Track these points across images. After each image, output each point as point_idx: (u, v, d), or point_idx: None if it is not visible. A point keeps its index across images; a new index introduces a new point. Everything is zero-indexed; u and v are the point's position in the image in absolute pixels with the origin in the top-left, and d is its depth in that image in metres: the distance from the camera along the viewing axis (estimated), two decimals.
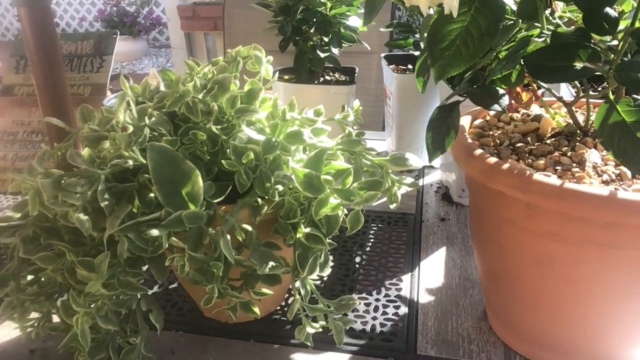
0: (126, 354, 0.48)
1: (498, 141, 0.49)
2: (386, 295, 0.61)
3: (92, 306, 0.43)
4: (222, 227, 0.41)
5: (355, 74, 0.85)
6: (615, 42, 0.36)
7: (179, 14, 2.83)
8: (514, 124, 0.52)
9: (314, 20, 0.77)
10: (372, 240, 0.72)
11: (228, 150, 0.43)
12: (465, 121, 0.53)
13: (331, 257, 0.68)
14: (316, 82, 0.82)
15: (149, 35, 5.38)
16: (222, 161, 0.43)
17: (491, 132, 0.51)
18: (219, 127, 0.46)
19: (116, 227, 0.40)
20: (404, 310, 0.58)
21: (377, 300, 0.60)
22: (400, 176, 0.54)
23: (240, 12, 1.54)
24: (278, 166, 0.45)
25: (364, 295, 0.61)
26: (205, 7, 2.80)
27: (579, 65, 0.34)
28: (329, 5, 0.77)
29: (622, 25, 0.34)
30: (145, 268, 0.46)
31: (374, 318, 0.57)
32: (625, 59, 0.38)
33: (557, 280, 0.44)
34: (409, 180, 0.54)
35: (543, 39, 0.37)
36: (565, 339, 0.48)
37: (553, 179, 0.39)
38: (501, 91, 0.41)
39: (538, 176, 0.40)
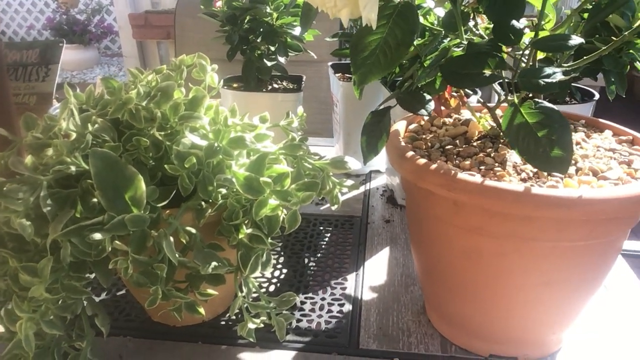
0: (72, 359, 0.48)
1: (430, 144, 0.52)
2: (332, 294, 0.63)
3: (36, 312, 0.43)
4: (165, 230, 0.42)
5: (302, 82, 0.87)
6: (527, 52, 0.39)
7: (130, 23, 2.80)
8: (446, 128, 0.56)
9: (261, 30, 0.79)
10: (320, 242, 0.75)
11: (172, 155, 0.45)
12: (400, 126, 0.56)
13: (281, 260, 0.70)
14: (264, 90, 0.84)
15: (101, 43, 5.27)
16: (166, 166, 0.44)
17: (424, 136, 0.54)
18: (163, 133, 0.48)
19: (59, 231, 0.41)
20: (348, 307, 0.61)
21: (323, 299, 0.62)
22: (341, 179, 0.57)
23: (191, 21, 1.54)
24: (221, 170, 0.47)
25: (310, 295, 0.63)
26: (157, 15, 2.78)
27: (487, 72, 0.37)
28: (275, 15, 0.79)
29: (528, 37, 0.37)
30: (93, 276, 0.47)
31: (320, 316, 0.59)
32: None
33: (483, 272, 0.48)
34: (349, 182, 0.56)
35: (461, 48, 0.41)
36: (494, 328, 0.52)
37: (476, 178, 0.43)
38: (427, 97, 0.44)
39: (462, 175, 0.43)
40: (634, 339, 0.56)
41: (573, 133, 0.55)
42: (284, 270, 0.68)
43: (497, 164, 0.47)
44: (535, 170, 0.46)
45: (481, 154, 0.49)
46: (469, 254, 0.48)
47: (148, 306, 0.43)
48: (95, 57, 5.04)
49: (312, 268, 0.69)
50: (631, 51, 0.70)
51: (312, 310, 0.60)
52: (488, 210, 0.43)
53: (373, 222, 0.80)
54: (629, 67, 0.73)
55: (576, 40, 0.37)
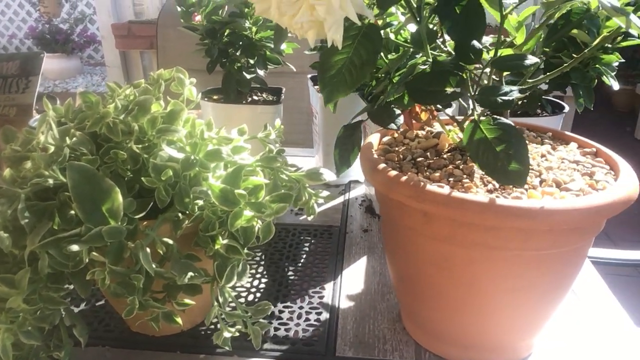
0: None
1: (402, 156, 0.54)
2: (309, 303, 0.64)
3: (13, 322, 0.44)
4: (141, 241, 0.43)
5: (282, 94, 0.89)
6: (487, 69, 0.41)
7: (113, 33, 2.80)
8: (418, 140, 0.58)
9: (240, 43, 0.80)
10: (299, 252, 0.76)
11: (149, 168, 0.46)
12: (374, 138, 0.57)
13: (260, 269, 0.71)
14: (244, 102, 0.86)
15: (84, 52, 5.25)
16: (143, 178, 0.46)
17: (397, 148, 0.56)
18: (140, 146, 0.49)
19: (36, 243, 0.41)
20: (325, 316, 0.62)
21: (301, 308, 0.64)
22: (317, 190, 0.58)
23: (174, 32, 1.55)
24: (198, 182, 0.48)
25: (289, 304, 0.64)
26: (140, 25, 2.78)
27: (449, 90, 0.39)
28: (254, 29, 0.81)
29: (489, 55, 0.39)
30: (72, 287, 0.48)
31: (297, 325, 0.61)
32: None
33: (454, 280, 0.49)
34: (325, 193, 0.58)
35: (427, 65, 0.43)
36: (465, 335, 0.53)
37: (443, 190, 0.44)
38: (397, 111, 0.46)
39: (430, 187, 0.45)
40: (603, 347, 0.58)
41: (539, 145, 0.57)
42: (263, 280, 0.69)
43: (465, 176, 0.49)
44: None
45: (450, 166, 0.50)
46: (439, 262, 0.49)
47: (125, 316, 0.44)
48: (78, 66, 5.02)
49: (290, 277, 0.70)
50: (597, 66, 0.73)
51: (290, 319, 0.62)
52: (455, 221, 0.45)
53: (351, 232, 0.82)
54: (596, 81, 0.76)
55: (532, 60, 0.39)
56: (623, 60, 0.74)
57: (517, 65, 0.39)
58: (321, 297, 0.66)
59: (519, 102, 0.83)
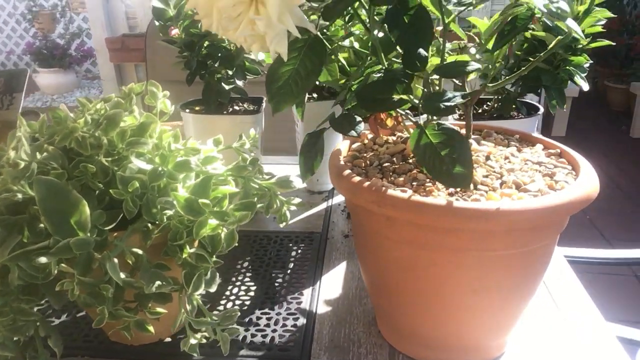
0: None
1: (369, 162, 0.55)
2: (287, 309, 0.65)
3: None
4: (109, 252, 0.44)
5: (262, 103, 0.90)
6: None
7: (107, 47, 2.82)
8: (387, 146, 0.59)
9: (219, 55, 0.82)
10: (280, 259, 0.77)
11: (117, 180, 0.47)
12: (344, 145, 0.59)
13: (240, 277, 0.72)
14: (225, 112, 0.87)
15: (82, 67, 5.28)
16: (111, 190, 0.47)
17: (365, 155, 0.57)
18: (110, 159, 0.50)
19: (6, 256, 0.42)
20: (302, 321, 0.63)
21: (279, 314, 0.64)
22: (288, 197, 0.59)
23: (162, 45, 1.56)
24: (167, 193, 0.49)
25: (267, 310, 0.65)
26: (134, 38, 2.81)
27: (396, 97, 0.40)
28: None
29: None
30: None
31: (274, 331, 0.61)
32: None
33: (420, 282, 0.50)
34: (297, 200, 0.59)
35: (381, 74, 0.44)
36: (436, 336, 0.54)
37: (403, 194, 0.45)
38: (358, 119, 0.47)
39: (392, 192, 0.46)
40: (577, 345, 0.58)
41: (505, 148, 0.58)
42: (243, 288, 0.70)
43: (428, 180, 0.50)
44: None
45: (415, 171, 0.51)
46: (405, 265, 0.50)
47: (95, 325, 0.45)
48: (76, 81, 5.05)
49: (270, 284, 0.71)
50: (568, 67, 0.74)
51: (267, 325, 0.62)
52: (416, 224, 0.46)
53: (333, 238, 0.83)
54: (568, 82, 0.77)
55: (474, 65, 0.40)
56: (592, 62, 0.75)
57: (459, 72, 0.40)
58: (299, 303, 0.66)
59: (495, 106, 0.85)
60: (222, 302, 0.67)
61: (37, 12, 4.44)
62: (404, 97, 0.40)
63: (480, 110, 0.87)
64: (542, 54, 0.49)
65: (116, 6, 2.99)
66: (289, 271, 0.74)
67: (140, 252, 0.48)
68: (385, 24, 0.38)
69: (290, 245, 0.81)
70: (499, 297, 0.50)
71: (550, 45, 0.49)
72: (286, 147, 1.45)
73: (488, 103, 0.87)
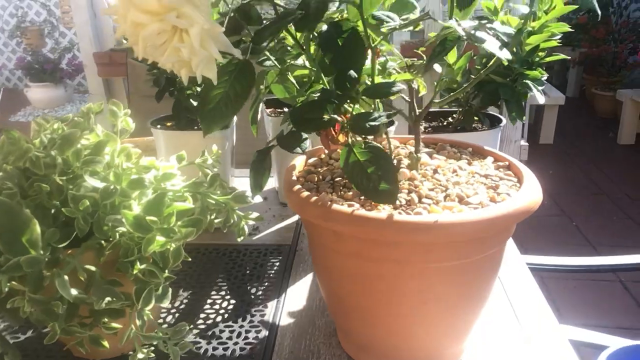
0: None
1: (322, 177, 0.56)
2: (250, 322, 0.66)
3: None
4: (58, 270, 0.45)
5: (233, 119, 0.91)
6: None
7: (95, 61, 2.84)
8: None
9: None
10: (247, 272, 0.78)
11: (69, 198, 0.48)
12: (299, 160, 0.60)
13: (207, 291, 0.73)
14: (195, 127, 0.89)
15: (73, 80, 5.30)
16: (63, 209, 0.48)
17: (320, 169, 0.58)
18: (65, 178, 0.51)
19: None
20: (264, 333, 0.64)
21: (242, 326, 0.65)
22: (246, 212, 0.61)
23: None
24: (120, 211, 0.50)
25: (230, 323, 0.66)
26: (122, 53, 2.82)
27: (326, 117, 0.42)
28: None
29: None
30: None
31: (236, 343, 0.62)
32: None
33: (370, 294, 0.52)
34: (255, 214, 0.60)
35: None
36: (391, 346, 0.55)
37: (347, 208, 0.47)
38: (304, 136, 0.48)
39: (336, 206, 0.47)
40: (535, 350, 0.60)
41: (456, 161, 0.59)
42: (209, 301, 0.71)
43: None
44: (408, 198, 0.50)
45: None
46: (354, 278, 0.51)
47: (47, 342, 0.46)
48: (67, 95, 5.06)
49: (236, 297, 0.72)
50: (525, 81, 0.76)
51: (230, 338, 0.63)
52: (361, 238, 0.47)
53: (301, 250, 0.84)
54: (529, 95, 0.79)
55: (399, 87, 0.42)
56: (547, 75, 0.77)
57: (385, 93, 0.42)
58: (263, 315, 0.67)
59: (460, 119, 0.86)
60: (179, 314, 0.68)
61: (25, 28, 4.47)
62: (335, 117, 0.41)
63: (445, 123, 0.88)
64: (482, 72, 0.50)
65: (104, 21, 3.01)
66: (255, 284, 0.75)
67: (93, 268, 0.49)
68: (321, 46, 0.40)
69: (260, 258, 0.82)
70: (447, 307, 0.52)
71: (489, 64, 0.50)
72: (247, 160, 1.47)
73: (454, 115, 0.89)
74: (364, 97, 0.42)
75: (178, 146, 0.87)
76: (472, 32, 0.38)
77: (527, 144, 3.00)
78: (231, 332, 0.65)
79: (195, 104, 0.84)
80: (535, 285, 0.73)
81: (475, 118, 0.84)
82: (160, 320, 0.66)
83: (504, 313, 0.66)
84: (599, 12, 0.41)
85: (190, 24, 0.31)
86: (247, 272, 0.78)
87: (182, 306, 0.70)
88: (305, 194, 0.50)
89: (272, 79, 0.56)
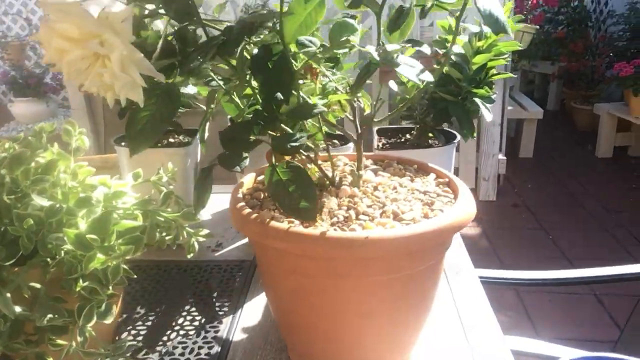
0: None
1: (267, 194, 0.58)
2: (204, 338, 0.67)
3: None
4: (0, 287, 0.46)
5: (196, 136, 0.93)
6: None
7: None
8: None
9: None
10: (206, 288, 0.79)
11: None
12: (248, 178, 0.62)
13: (163, 307, 0.74)
14: (159, 145, 0.90)
15: (58, 95, 5.29)
16: (9, 228, 0.49)
17: None
18: (13, 196, 0.52)
19: None
20: (216, 349, 0.65)
21: (195, 342, 0.66)
22: (197, 229, 0.62)
23: None
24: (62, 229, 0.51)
25: (184, 339, 0.67)
26: None
27: (252, 137, 0.44)
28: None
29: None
30: None
31: (187, 359, 0.63)
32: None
33: (312, 309, 0.53)
34: (205, 231, 0.62)
35: None
36: (335, 358, 0.57)
37: (283, 225, 0.48)
38: (244, 154, 0.50)
39: (274, 223, 0.49)
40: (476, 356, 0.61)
41: (400, 177, 0.61)
42: (164, 318, 0.72)
43: None
44: (346, 214, 0.52)
45: None
46: (296, 292, 0.53)
47: None
48: (50, 109, 5.05)
49: (192, 313, 0.73)
50: (474, 99, 0.79)
51: (182, 354, 0.64)
52: (297, 254, 0.49)
53: None
54: (480, 111, 0.81)
55: (320, 108, 0.44)
56: (495, 94, 0.80)
57: (307, 115, 0.44)
58: (217, 332, 0.69)
59: (415, 135, 0.89)
60: (142, 332, 0.69)
61: (6, 43, 4.47)
62: (260, 138, 0.43)
63: (403, 139, 0.91)
64: (415, 91, 0.52)
65: None
66: (214, 300, 0.76)
67: (38, 286, 0.50)
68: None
69: (220, 274, 0.83)
70: (388, 319, 0.53)
71: (420, 87, 0.52)
72: (228, 175, 1.48)
73: (413, 132, 0.92)
74: (287, 119, 0.44)
75: (141, 163, 0.89)
76: (391, 57, 0.40)
77: (504, 158, 3.04)
78: (184, 348, 0.66)
79: None
80: (484, 298, 0.75)
81: (431, 135, 0.87)
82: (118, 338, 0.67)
83: (451, 325, 0.68)
84: (510, 33, 0.43)
85: (111, 50, 0.33)
86: (206, 288, 0.79)
87: (139, 323, 0.71)
88: (247, 211, 0.52)
89: (221, 98, 0.58)
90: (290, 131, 0.49)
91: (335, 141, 0.90)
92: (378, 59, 0.39)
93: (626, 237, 2.63)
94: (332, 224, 0.51)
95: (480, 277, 1.11)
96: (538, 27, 3.64)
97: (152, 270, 0.84)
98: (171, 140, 0.93)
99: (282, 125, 0.45)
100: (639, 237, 2.63)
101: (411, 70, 0.41)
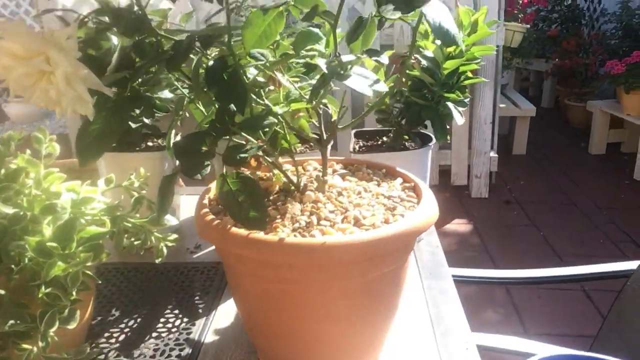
0: None
1: None
2: (176, 340, 0.68)
3: None
4: None
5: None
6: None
7: None
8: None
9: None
10: (182, 290, 0.80)
11: None
12: (215, 184, 0.62)
13: (139, 310, 0.74)
14: (138, 149, 0.91)
15: None
16: None
17: None
18: None
19: None
20: (187, 351, 0.66)
21: (167, 344, 0.67)
22: (165, 234, 0.63)
23: None
24: (27, 235, 0.52)
25: (157, 342, 0.68)
26: None
27: (205, 148, 0.44)
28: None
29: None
30: None
31: None
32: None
33: (276, 312, 0.54)
34: (174, 236, 0.62)
35: None
36: None
37: (243, 231, 0.49)
38: (206, 162, 0.51)
39: (234, 229, 0.49)
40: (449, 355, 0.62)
41: (367, 182, 0.62)
42: (139, 320, 0.72)
43: (279, 216, 0.54)
44: (308, 220, 0.53)
45: (271, 207, 0.55)
46: (258, 297, 0.54)
47: None
48: (45, 110, 5.05)
49: (166, 316, 0.73)
50: (447, 103, 0.79)
51: (153, 357, 0.65)
52: (257, 260, 0.50)
53: None
54: (454, 115, 0.82)
55: (271, 119, 0.44)
56: (468, 98, 0.80)
57: (258, 126, 0.44)
58: (189, 333, 0.69)
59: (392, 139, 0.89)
60: (115, 334, 0.70)
61: None
62: (210, 150, 0.44)
63: (380, 142, 0.91)
64: (372, 106, 0.53)
65: None
66: (189, 302, 0.76)
67: (2, 292, 0.50)
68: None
69: (197, 275, 0.84)
70: (352, 323, 0.54)
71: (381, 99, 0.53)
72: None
73: (390, 134, 0.92)
74: (240, 130, 0.44)
75: (119, 168, 0.89)
76: (340, 70, 0.40)
77: (496, 155, 3.05)
78: (156, 350, 0.66)
79: (134, 126, 0.86)
80: (457, 300, 0.75)
81: (406, 137, 0.87)
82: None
83: (422, 326, 0.69)
84: (462, 45, 0.44)
85: (56, 67, 0.34)
86: (182, 290, 0.80)
87: (114, 326, 0.71)
88: (210, 217, 0.52)
89: (189, 105, 0.59)
90: (252, 139, 0.49)
91: (312, 144, 0.90)
92: (326, 72, 0.40)
93: (617, 233, 2.64)
94: (294, 230, 0.51)
95: (468, 277, 1.13)
96: (529, 26, 3.64)
97: (130, 273, 0.85)
98: (149, 143, 0.94)
99: (243, 134, 0.45)
100: (630, 233, 2.64)
101: (363, 82, 0.42)
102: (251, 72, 0.49)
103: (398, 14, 0.38)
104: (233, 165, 0.44)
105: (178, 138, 0.95)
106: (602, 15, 4.73)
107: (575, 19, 4.95)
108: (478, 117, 2.92)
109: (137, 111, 0.87)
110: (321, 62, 0.41)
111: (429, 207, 0.54)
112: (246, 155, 0.43)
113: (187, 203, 1.06)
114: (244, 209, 0.43)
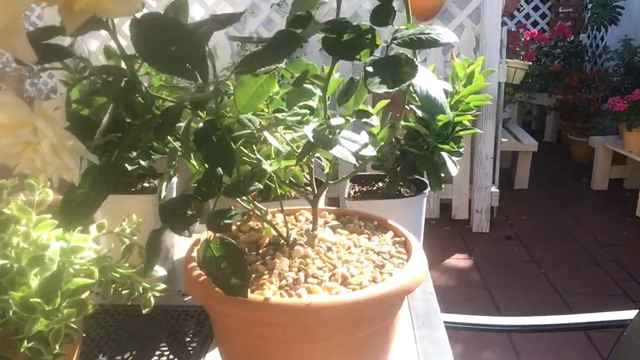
0: None
1: None
2: None
3: None
4: None
5: (171, 182, 0.94)
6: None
7: None
8: (249, 234, 0.62)
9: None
10: (171, 335, 0.79)
11: None
12: (205, 236, 0.62)
13: (127, 356, 0.73)
14: (134, 190, 0.91)
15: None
16: None
17: None
18: None
19: None
20: None
21: None
22: (153, 284, 0.62)
23: None
24: (15, 288, 0.52)
25: None
26: None
27: (190, 212, 0.45)
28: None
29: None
30: None
31: None
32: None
33: None
34: (162, 286, 0.62)
35: None
36: None
37: None
38: (195, 220, 0.51)
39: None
40: None
41: (358, 235, 0.62)
42: None
43: (267, 272, 0.53)
44: (296, 277, 0.52)
45: (259, 262, 0.55)
46: (241, 353, 0.53)
47: None
48: None
49: None
50: (441, 153, 0.80)
51: None
52: (242, 317, 0.49)
53: None
54: (447, 164, 0.82)
55: (257, 185, 0.45)
56: (463, 148, 0.81)
57: (241, 192, 0.44)
58: None
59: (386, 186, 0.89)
60: None
61: (5, 73, 4.54)
62: (196, 214, 0.44)
63: (375, 187, 0.91)
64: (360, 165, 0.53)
65: None
66: (178, 347, 0.76)
67: None
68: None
69: (187, 320, 0.83)
70: None
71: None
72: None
73: (386, 179, 0.92)
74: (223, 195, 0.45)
75: (114, 209, 0.89)
76: (327, 136, 0.41)
77: (497, 190, 3.04)
78: None
79: (130, 168, 0.86)
80: (449, 350, 0.74)
81: (401, 184, 0.87)
82: None
83: None
84: (449, 113, 0.44)
85: (42, 138, 0.34)
86: (171, 334, 0.79)
87: None
88: (196, 272, 0.52)
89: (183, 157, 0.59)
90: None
91: (309, 188, 0.91)
92: (312, 140, 0.40)
93: (619, 271, 2.62)
94: (281, 287, 0.51)
95: (465, 324, 1.11)
96: (530, 63, 3.68)
97: (119, 316, 0.84)
98: (145, 184, 0.94)
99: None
100: (631, 271, 2.61)
101: (351, 147, 0.42)
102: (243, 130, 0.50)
103: (384, 88, 0.39)
104: (217, 231, 0.44)
105: (175, 180, 0.95)
106: (605, 52, 4.78)
107: (578, 55, 5.00)
108: (479, 152, 2.93)
109: (134, 153, 0.87)
110: (308, 130, 0.41)
111: (418, 266, 0.54)
112: (230, 221, 0.43)
113: (181, 243, 1.06)
114: (226, 275, 0.42)
